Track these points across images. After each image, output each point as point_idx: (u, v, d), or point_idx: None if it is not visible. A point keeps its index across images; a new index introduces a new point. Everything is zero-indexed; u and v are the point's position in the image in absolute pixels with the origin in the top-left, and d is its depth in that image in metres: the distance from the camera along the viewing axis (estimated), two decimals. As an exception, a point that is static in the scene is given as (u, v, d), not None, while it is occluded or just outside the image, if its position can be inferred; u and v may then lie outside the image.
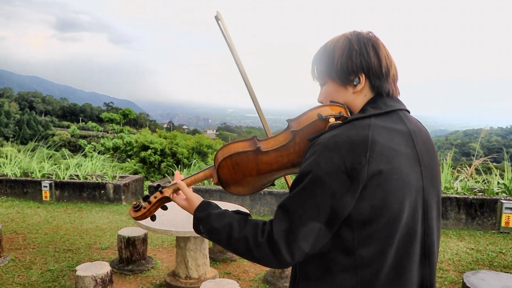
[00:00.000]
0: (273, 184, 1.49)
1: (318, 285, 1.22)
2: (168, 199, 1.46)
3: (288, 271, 4.13)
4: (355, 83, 1.25)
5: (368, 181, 1.10)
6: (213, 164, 1.41)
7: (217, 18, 1.58)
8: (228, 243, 1.25)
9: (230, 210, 1.34)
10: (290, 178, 1.57)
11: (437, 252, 1.28)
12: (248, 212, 1.34)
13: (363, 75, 1.24)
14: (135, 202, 1.47)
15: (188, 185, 1.43)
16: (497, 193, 6.57)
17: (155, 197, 1.46)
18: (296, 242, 1.13)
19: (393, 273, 1.16)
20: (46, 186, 7.88)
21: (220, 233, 1.26)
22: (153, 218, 1.50)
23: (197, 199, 1.39)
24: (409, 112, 1.30)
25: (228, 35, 1.60)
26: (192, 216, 1.37)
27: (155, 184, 1.59)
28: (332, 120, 1.23)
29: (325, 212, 1.12)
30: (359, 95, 1.27)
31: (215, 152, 1.40)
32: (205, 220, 1.31)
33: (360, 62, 1.23)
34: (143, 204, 1.47)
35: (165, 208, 1.50)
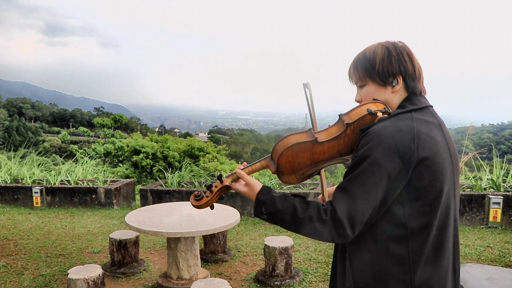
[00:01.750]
0: (318, 174, 1.65)
1: (372, 256, 1.40)
2: (228, 188, 1.60)
3: (279, 270, 4.17)
4: (394, 84, 1.48)
5: (417, 164, 1.32)
6: (270, 155, 1.56)
7: (305, 86, 1.70)
8: (292, 222, 1.40)
9: (288, 193, 1.50)
10: (323, 173, 1.72)
11: (458, 225, 1.51)
12: (305, 195, 1.48)
13: (401, 78, 1.47)
14: (196, 192, 1.59)
15: (247, 174, 1.58)
16: (484, 189, 6.66)
17: (216, 186, 1.59)
18: (357, 218, 1.32)
19: (436, 242, 1.38)
20: (37, 192, 7.86)
21: (284, 213, 1.41)
22: (212, 207, 1.62)
23: (258, 184, 1.53)
24: (433, 107, 1.52)
25: (313, 104, 1.72)
26: (254, 199, 1.50)
27: (217, 174, 1.72)
28: (379, 114, 1.45)
29: (382, 190, 1.32)
30: (396, 94, 1.50)
31: (274, 144, 1.53)
32: (268, 202, 1.46)
33: (398, 66, 1.46)
34: (205, 193, 1.59)
35: (222, 197, 1.62)
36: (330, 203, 1.36)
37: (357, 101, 1.58)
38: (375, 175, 1.31)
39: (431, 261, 1.38)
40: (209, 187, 1.59)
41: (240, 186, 1.57)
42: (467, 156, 7.74)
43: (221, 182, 1.58)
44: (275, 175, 1.56)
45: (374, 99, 1.51)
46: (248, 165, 1.61)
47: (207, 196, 1.59)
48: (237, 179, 1.59)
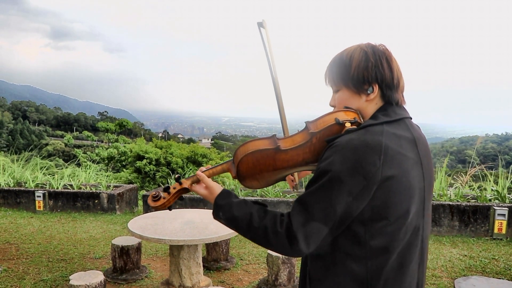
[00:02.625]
0: (284, 180, 1.62)
1: (329, 274, 1.34)
2: (186, 190, 1.56)
3: (282, 279, 4.13)
4: (368, 92, 1.37)
5: (382, 183, 1.23)
6: (232, 159, 1.50)
7: (260, 25, 1.63)
8: (247, 230, 1.36)
9: (249, 200, 1.44)
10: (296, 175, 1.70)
11: (427, 243, 1.42)
12: (266, 204, 1.43)
13: (377, 86, 1.36)
14: (154, 192, 1.57)
15: (208, 176, 1.53)
16: (490, 200, 6.61)
17: (174, 188, 1.56)
18: (313, 234, 1.25)
19: (397, 263, 1.30)
20: (39, 196, 7.85)
21: (240, 221, 1.37)
22: (170, 208, 1.59)
23: (218, 188, 1.48)
24: (411, 119, 1.43)
25: (270, 45, 1.65)
26: (213, 203, 1.46)
27: (175, 176, 1.71)
28: (348, 124, 1.35)
29: (341, 207, 1.23)
30: (371, 103, 1.39)
31: (236, 148, 1.48)
32: (225, 207, 1.41)
33: (375, 73, 1.35)
34: (163, 194, 1.56)
35: (181, 198, 1.60)
36: (287, 215, 1.30)
37: (332, 106, 1.49)
38: (334, 191, 1.23)
39: (391, 283, 1.30)
40: (166, 189, 1.55)
41: (200, 189, 1.53)
42: (474, 169, 7.70)
43: (180, 184, 1.56)
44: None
45: (346, 107, 1.41)
46: (210, 167, 1.58)
47: (164, 198, 1.55)
48: (197, 181, 1.55)
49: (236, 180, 1.53)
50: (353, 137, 1.27)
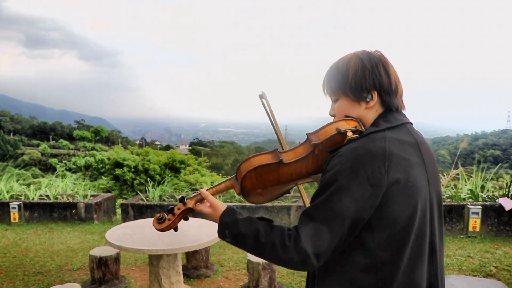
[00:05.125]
0: (289, 193, 1.62)
1: (338, 284, 1.33)
2: (191, 210, 1.56)
3: (263, 285, 4.14)
4: (368, 99, 1.38)
5: (388, 189, 1.23)
6: (235, 175, 1.50)
7: (261, 97, 1.68)
8: (254, 247, 1.34)
9: (254, 216, 1.42)
10: (302, 186, 1.70)
11: (440, 249, 1.40)
12: (271, 219, 1.41)
13: (375, 92, 1.37)
14: (158, 215, 1.56)
15: (211, 194, 1.53)
16: (464, 199, 6.76)
17: (178, 209, 1.55)
18: (323, 247, 1.23)
19: (408, 271, 1.28)
20: (14, 208, 7.68)
21: (247, 237, 1.35)
22: (176, 229, 1.58)
23: (222, 206, 1.47)
24: (412, 124, 1.43)
25: (272, 112, 1.72)
26: (218, 221, 1.45)
27: (179, 197, 1.70)
28: (349, 134, 1.35)
29: (349, 217, 1.23)
30: (371, 110, 1.40)
31: (238, 164, 1.48)
32: (231, 225, 1.40)
33: (372, 80, 1.35)
34: (167, 216, 1.56)
35: (186, 219, 1.58)
36: (295, 228, 1.29)
37: (331, 115, 1.49)
38: (342, 202, 1.22)
39: None
40: (171, 210, 1.54)
41: (204, 208, 1.52)
42: (457, 170, 7.85)
43: (184, 204, 1.55)
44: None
45: (346, 116, 1.41)
46: (213, 186, 1.56)
47: (169, 219, 1.55)
48: (201, 200, 1.54)
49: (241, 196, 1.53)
50: (356, 145, 1.28)
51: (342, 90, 1.40)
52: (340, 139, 1.36)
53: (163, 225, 1.54)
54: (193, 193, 1.59)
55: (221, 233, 1.43)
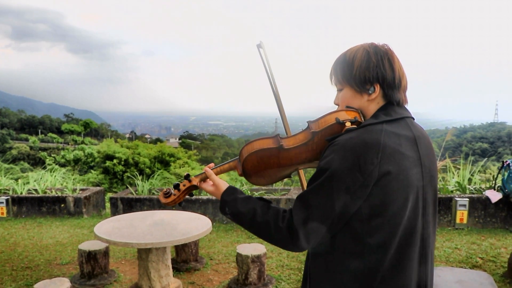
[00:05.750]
0: (290, 177, 1.69)
1: (328, 271, 1.39)
2: (195, 187, 1.65)
3: (252, 278, 4.16)
4: (370, 92, 1.41)
5: (379, 180, 1.27)
6: (238, 157, 1.57)
7: (259, 46, 1.72)
8: (250, 225, 1.43)
9: (254, 196, 1.50)
10: (302, 172, 1.75)
11: (432, 244, 1.45)
12: (270, 201, 1.49)
13: (378, 86, 1.40)
14: (165, 189, 1.66)
15: (215, 174, 1.61)
16: (451, 191, 6.83)
17: (184, 185, 1.65)
18: (313, 229, 1.30)
19: (396, 261, 1.33)
20: (2, 202, 7.61)
21: (245, 216, 1.43)
22: (181, 204, 1.69)
23: (224, 185, 1.55)
24: (414, 119, 1.47)
25: (269, 64, 1.75)
26: (220, 199, 1.53)
27: (185, 174, 1.79)
28: (348, 124, 1.40)
29: (340, 203, 1.28)
30: (372, 102, 1.44)
31: (241, 147, 1.55)
32: (231, 203, 1.48)
33: (376, 73, 1.39)
34: (173, 191, 1.65)
35: (191, 195, 1.67)
36: (289, 211, 1.36)
37: (336, 104, 1.54)
38: (333, 188, 1.28)
39: (388, 280, 1.33)
40: (176, 186, 1.64)
41: (207, 186, 1.61)
42: (443, 162, 7.93)
43: (189, 181, 1.63)
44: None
45: (348, 107, 1.46)
46: (217, 165, 1.64)
47: (174, 194, 1.64)
48: (205, 178, 1.62)
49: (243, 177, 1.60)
50: (352, 136, 1.32)
51: (347, 80, 1.44)
52: (339, 129, 1.41)
53: (169, 199, 1.64)
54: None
55: (222, 210, 1.51)
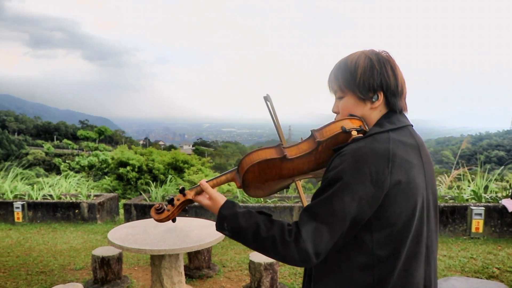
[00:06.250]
0: (288, 188, 1.61)
1: (335, 283, 1.34)
2: (190, 201, 1.54)
3: (264, 286, 4.14)
4: (373, 99, 1.38)
5: (390, 190, 1.24)
6: (237, 168, 1.49)
7: (266, 99, 1.70)
8: (254, 241, 1.33)
9: (253, 211, 1.41)
10: (300, 184, 1.71)
11: (436, 251, 1.42)
12: (270, 214, 1.41)
13: (382, 93, 1.37)
14: (157, 205, 1.54)
15: (211, 186, 1.51)
16: (467, 200, 6.74)
17: (178, 200, 1.53)
18: (322, 243, 1.24)
19: (404, 271, 1.29)
20: (18, 207, 7.72)
21: (247, 231, 1.34)
22: (174, 220, 1.56)
23: (221, 198, 1.46)
24: (412, 126, 1.44)
25: (276, 115, 1.74)
26: (217, 214, 1.43)
27: (179, 188, 1.70)
28: (354, 133, 1.36)
29: (350, 216, 1.24)
30: (375, 110, 1.40)
31: (241, 158, 1.46)
32: (231, 218, 1.38)
33: (380, 81, 1.35)
34: (166, 207, 1.53)
35: (185, 210, 1.54)
36: (295, 224, 1.29)
37: (335, 112, 1.49)
38: (344, 200, 1.23)
39: None
40: (170, 201, 1.53)
41: (203, 199, 1.50)
42: (458, 171, 7.83)
43: (184, 195, 1.53)
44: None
45: (351, 115, 1.41)
46: (213, 177, 1.55)
47: (168, 210, 1.53)
48: (200, 191, 1.52)
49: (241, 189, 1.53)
50: (361, 145, 1.28)
51: (350, 87, 1.39)
52: (345, 138, 1.37)
53: (162, 216, 1.53)
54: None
55: (220, 226, 1.41)
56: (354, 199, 1.23)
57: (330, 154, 1.38)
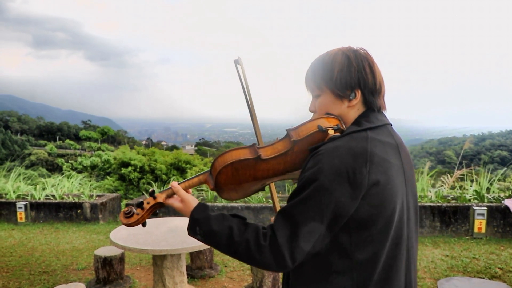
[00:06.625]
0: (263, 190, 1.55)
1: (314, 287, 1.28)
2: (161, 205, 1.46)
3: (266, 286, 4.14)
4: (351, 97, 1.33)
5: (368, 190, 1.19)
6: (209, 170, 1.42)
7: (236, 62, 1.63)
8: (227, 246, 1.28)
9: (227, 214, 1.36)
10: (273, 185, 1.64)
11: (416, 253, 1.38)
12: (245, 217, 1.36)
13: (359, 91, 1.32)
14: (126, 209, 1.46)
15: (184, 189, 1.45)
16: (469, 200, 6.73)
17: (148, 203, 1.46)
18: (299, 247, 1.19)
19: (384, 274, 1.25)
20: (21, 207, 7.74)
21: (219, 235, 1.28)
22: (144, 225, 1.49)
23: (194, 201, 1.40)
24: (392, 125, 1.40)
25: (246, 81, 1.66)
26: (188, 218, 1.37)
27: (150, 190, 1.64)
28: (331, 131, 1.31)
29: (328, 217, 1.19)
30: (352, 109, 1.35)
31: (214, 159, 1.41)
32: (203, 222, 1.32)
33: (358, 78, 1.31)
34: (136, 210, 1.46)
35: (155, 214, 1.51)
36: (270, 227, 1.24)
37: (312, 111, 1.44)
38: (321, 201, 1.18)
39: None
40: (140, 204, 1.45)
41: (174, 202, 1.44)
42: (460, 171, 7.82)
43: (154, 198, 1.45)
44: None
45: (328, 113, 1.36)
46: (185, 180, 1.48)
47: (137, 214, 1.45)
48: (171, 194, 1.45)
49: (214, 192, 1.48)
50: (338, 144, 1.23)
51: (327, 85, 1.34)
52: (321, 137, 1.31)
53: (131, 220, 1.45)
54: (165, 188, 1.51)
55: (192, 230, 1.35)
56: (331, 199, 1.18)
57: (306, 154, 1.32)
